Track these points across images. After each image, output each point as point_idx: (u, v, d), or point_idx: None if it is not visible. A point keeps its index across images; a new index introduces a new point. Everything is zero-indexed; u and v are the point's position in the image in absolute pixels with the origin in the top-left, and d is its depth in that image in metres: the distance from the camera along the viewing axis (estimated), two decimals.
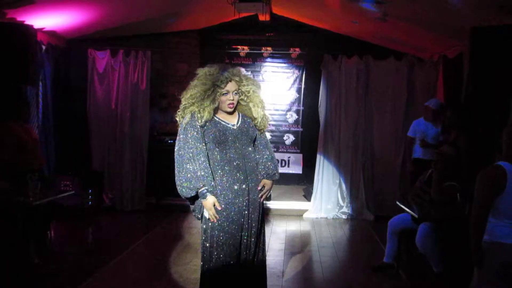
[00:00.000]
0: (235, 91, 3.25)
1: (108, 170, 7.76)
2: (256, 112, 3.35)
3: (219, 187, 3.17)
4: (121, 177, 7.70)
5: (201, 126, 3.19)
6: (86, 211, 7.10)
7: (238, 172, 3.18)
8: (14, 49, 5.75)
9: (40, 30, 6.56)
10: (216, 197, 3.15)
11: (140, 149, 7.72)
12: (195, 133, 3.16)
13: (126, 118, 7.67)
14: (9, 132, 5.06)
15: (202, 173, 3.11)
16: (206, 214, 3.17)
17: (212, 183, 3.14)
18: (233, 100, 3.24)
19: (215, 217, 3.13)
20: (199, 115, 3.17)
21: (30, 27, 6.02)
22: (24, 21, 6.00)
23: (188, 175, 3.10)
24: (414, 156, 6.59)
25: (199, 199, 3.16)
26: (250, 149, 3.29)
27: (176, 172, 3.16)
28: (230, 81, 3.23)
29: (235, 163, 3.18)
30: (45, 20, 6.44)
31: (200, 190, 3.11)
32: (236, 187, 3.18)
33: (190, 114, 3.20)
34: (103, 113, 7.73)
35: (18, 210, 4.40)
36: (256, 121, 3.36)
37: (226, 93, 3.21)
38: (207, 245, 3.18)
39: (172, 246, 5.69)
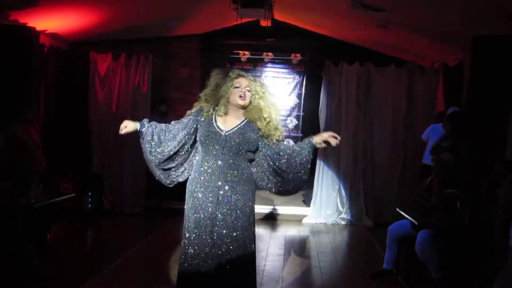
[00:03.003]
0: (247, 87, 3.19)
1: (108, 173, 7.77)
2: (267, 112, 3.19)
3: (194, 186, 3.18)
4: (121, 180, 7.72)
5: (202, 121, 3.22)
6: (86, 213, 7.10)
7: (211, 179, 3.12)
8: (17, 50, 5.78)
9: (43, 32, 6.58)
10: (193, 197, 3.19)
11: (140, 152, 7.68)
12: (185, 119, 3.29)
13: None
14: (10, 134, 5.07)
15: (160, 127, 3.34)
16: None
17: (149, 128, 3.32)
18: (244, 92, 3.17)
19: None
20: (206, 110, 3.24)
21: (33, 29, 6.06)
22: (27, 23, 6.03)
23: None
24: (424, 161, 6.55)
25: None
26: (238, 159, 3.14)
27: None
28: (241, 76, 3.22)
29: (209, 170, 3.13)
30: (47, 23, 6.47)
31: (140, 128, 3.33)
32: (207, 193, 3.12)
33: (198, 107, 3.27)
34: (104, 116, 7.75)
35: (18, 212, 4.40)
36: (263, 123, 3.18)
37: (237, 86, 3.18)
38: (183, 244, 3.19)
39: (171, 249, 5.68)
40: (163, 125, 3.35)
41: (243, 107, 3.21)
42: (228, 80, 3.21)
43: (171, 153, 3.27)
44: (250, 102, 3.22)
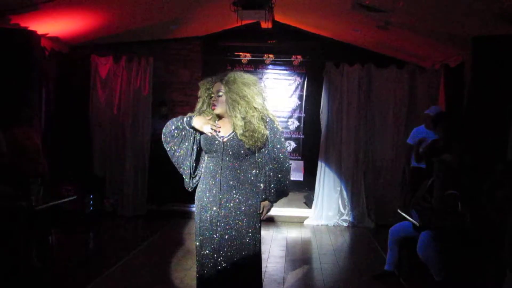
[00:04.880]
0: (219, 93, 3.12)
1: (109, 176, 7.78)
2: (236, 125, 3.08)
3: (200, 190, 3.21)
4: (122, 183, 7.73)
5: (200, 133, 3.21)
6: (87, 216, 7.10)
7: (213, 184, 3.15)
8: (18, 54, 5.78)
9: (44, 36, 6.59)
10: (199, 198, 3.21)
11: (141, 154, 7.74)
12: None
13: (128, 123, 7.70)
14: (12, 137, 5.08)
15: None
16: (206, 129, 3.12)
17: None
18: (215, 101, 3.13)
19: (215, 127, 3.11)
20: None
21: (34, 33, 6.07)
22: (28, 27, 6.04)
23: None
24: (414, 164, 6.58)
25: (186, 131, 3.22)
26: (239, 164, 3.13)
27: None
28: (216, 82, 3.18)
29: (212, 174, 3.16)
30: (48, 26, 6.48)
31: (184, 120, 3.21)
32: (210, 195, 3.16)
33: (196, 113, 3.28)
34: (105, 118, 7.77)
35: (20, 215, 4.41)
36: (239, 137, 3.08)
37: (212, 96, 3.18)
38: (196, 243, 3.24)
39: (173, 252, 5.69)
40: None
41: (220, 115, 3.18)
42: (208, 88, 3.21)
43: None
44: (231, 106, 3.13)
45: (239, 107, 3.08)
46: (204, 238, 3.16)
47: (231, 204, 3.13)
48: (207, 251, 3.14)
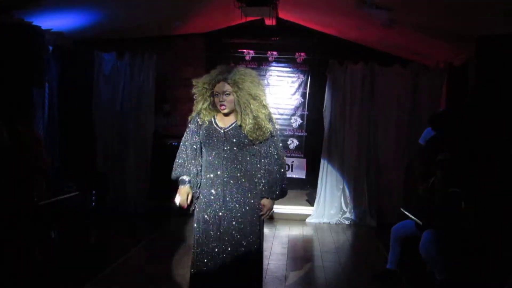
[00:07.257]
0: (227, 92, 3.14)
1: (112, 172, 7.78)
2: (244, 122, 3.15)
3: (203, 186, 3.24)
4: (124, 179, 7.73)
5: (201, 124, 3.25)
6: (89, 212, 7.10)
7: (216, 176, 3.16)
8: (22, 49, 5.77)
9: (48, 31, 6.58)
10: (198, 198, 3.26)
11: (144, 151, 7.74)
12: (193, 126, 3.30)
13: (130, 120, 7.70)
14: (14, 133, 5.08)
15: (189, 165, 3.27)
16: (177, 200, 3.27)
17: (197, 180, 3.26)
18: (223, 101, 3.14)
19: (184, 204, 3.24)
20: (200, 115, 3.27)
21: (37, 28, 6.06)
22: (32, 22, 6.03)
23: (177, 163, 3.33)
24: None
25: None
26: (240, 154, 3.16)
27: None
28: (219, 82, 3.17)
29: (213, 168, 3.17)
30: (52, 21, 6.47)
31: (180, 178, 3.29)
32: (213, 190, 3.18)
33: (196, 112, 3.30)
34: (108, 114, 7.76)
35: (22, 211, 4.41)
36: (244, 130, 3.16)
37: (217, 95, 3.17)
38: (193, 243, 3.27)
39: (174, 249, 5.69)
40: (190, 158, 3.33)
41: (229, 113, 3.21)
42: (209, 88, 3.20)
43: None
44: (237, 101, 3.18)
45: (252, 106, 3.13)
46: (205, 234, 3.16)
47: (235, 199, 3.14)
48: (207, 247, 3.14)
